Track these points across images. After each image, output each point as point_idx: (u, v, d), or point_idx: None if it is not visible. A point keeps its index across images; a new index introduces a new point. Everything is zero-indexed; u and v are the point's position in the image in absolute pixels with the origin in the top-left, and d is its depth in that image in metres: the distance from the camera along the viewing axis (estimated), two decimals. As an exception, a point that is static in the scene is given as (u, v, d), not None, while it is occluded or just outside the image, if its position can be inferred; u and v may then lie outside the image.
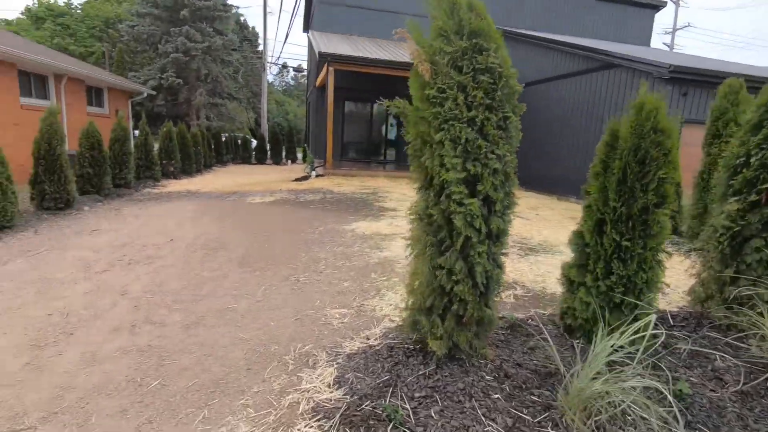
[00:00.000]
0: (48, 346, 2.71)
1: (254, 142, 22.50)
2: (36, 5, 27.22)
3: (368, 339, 2.87)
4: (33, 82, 10.55)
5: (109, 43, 22.68)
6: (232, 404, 2.19)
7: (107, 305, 3.36)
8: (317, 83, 15.63)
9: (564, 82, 11.00)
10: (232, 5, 20.77)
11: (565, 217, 8.25)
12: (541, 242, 5.82)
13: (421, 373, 2.26)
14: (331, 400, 2.16)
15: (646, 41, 19.37)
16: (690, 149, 7.31)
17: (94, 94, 13.59)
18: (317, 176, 11.99)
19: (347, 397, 2.16)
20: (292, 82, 71.05)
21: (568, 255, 5.30)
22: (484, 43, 2.06)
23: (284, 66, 24.82)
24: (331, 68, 11.47)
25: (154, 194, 9.70)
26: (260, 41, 22.29)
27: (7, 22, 29.11)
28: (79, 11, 26.62)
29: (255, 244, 5.31)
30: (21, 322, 3.02)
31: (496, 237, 2.19)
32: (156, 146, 12.14)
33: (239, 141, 22.16)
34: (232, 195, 9.57)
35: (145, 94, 15.60)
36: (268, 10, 23.96)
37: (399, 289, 3.83)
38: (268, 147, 22.01)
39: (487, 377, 2.25)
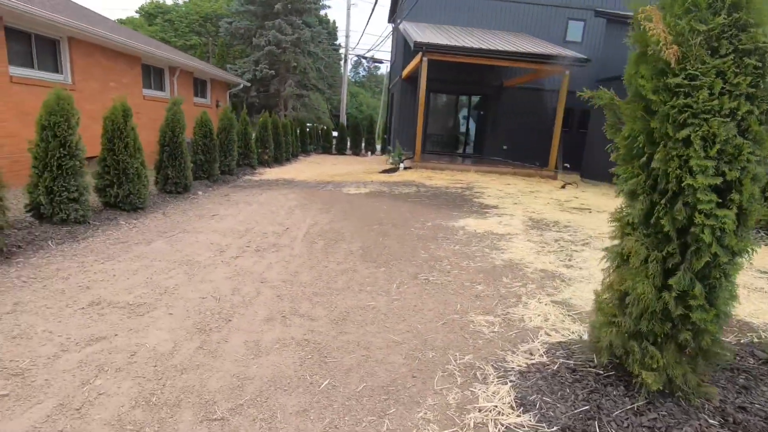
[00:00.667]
0: (212, 331, 2.78)
1: (334, 133, 23.00)
2: (148, 3, 30.19)
3: (531, 355, 2.61)
4: (152, 74, 11.50)
5: (206, 38, 24.37)
6: (411, 416, 2.05)
7: (252, 292, 3.42)
8: (404, 74, 15.47)
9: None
10: None
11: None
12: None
13: (629, 407, 1.95)
14: (523, 426, 1.94)
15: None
16: None
17: (199, 86, 14.57)
18: (405, 168, 11.86)
19: (542, 425, 1.93)
20: (363, 73, 71.94)
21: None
22: (749, 17, 1.68)
23: (363, 57, 24.92)
24: (425, 58, 11.21)
25: (254, 181, 10.15)
26: (339, 33, 22.45)
27: (121, 21, 32.41)
28: (182, 8, 29.03)
29: (369, 237, 5.24)
30: (181, 304, 3.16)
31: (739, 256, 1.81)
32: (252, 135, 12.74)
33: (320, 131, 22.75)
34: (327, 185, 9.73)
35: (242, 86, 16.47)
36: (351, 1, 24.16)
37: (542, 297, 3.52)
38: (348, 138, 22.36)
39: (711, 421, 1.90)
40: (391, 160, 16.45)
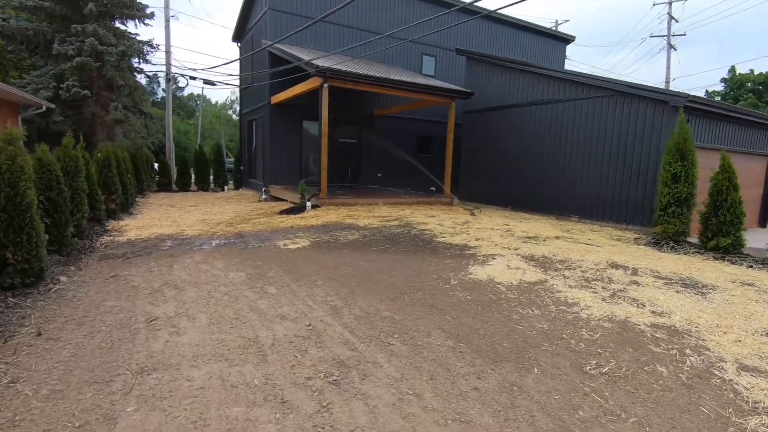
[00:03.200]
0: None
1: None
2: None
3: None
4: None
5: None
6: None
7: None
8: (276, 100, 13.86)
9: (563, 105, 11.42)
10: (146, 5, 17.08)
11: (612, 238, 8.34)
12: (675, 273, 5.59)
13: None
14: None
15: (561, 68, 21.78)
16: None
17: (-25, 107, 9.82)
18: (313, 207, 10.37)
19: None
20: (163, 95, 63.39)
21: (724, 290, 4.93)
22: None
23: (192, 78, 21.35)
24: (326, 85, 10.09)
25: (124, 245, 7.16)
26: (146, 51, 18.92)
27: None
28: None
29: (424, 317, 3.99)
30: None
31: None
32: (95, 178, 9.16)
33: (154, 164, 18.56)
34: (245, 239, 7.58)
35: (44, 108, 11.81)
36: (171, 14, 20.73)
37: (725, 367, 3.09)
38: (192, 171, 18.83)
39: None
40: (264, 196, 14.45)
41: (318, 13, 14.56)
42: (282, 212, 10.54)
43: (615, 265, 5.99)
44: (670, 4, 30.50)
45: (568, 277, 5.34)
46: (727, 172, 7.03)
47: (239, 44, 18.64)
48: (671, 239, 7.75)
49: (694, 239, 7.81)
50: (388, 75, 11.54)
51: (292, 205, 11.00)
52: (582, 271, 5.62)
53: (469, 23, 17.44)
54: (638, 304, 4.40)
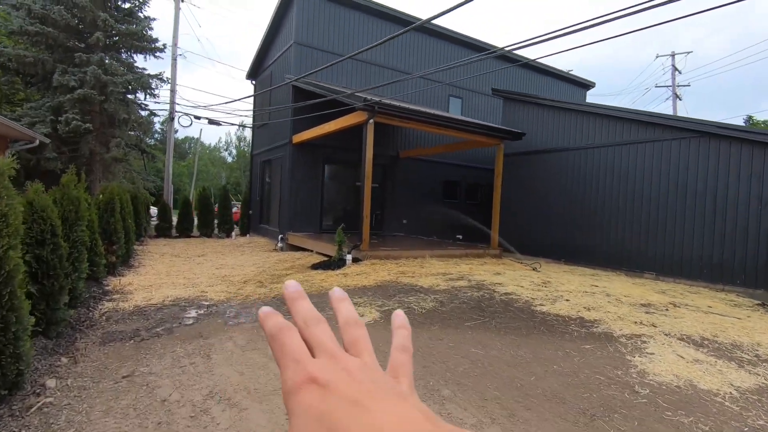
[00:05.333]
0: None
1: (154, 209, 17.32)
2: None
3: None
4: None
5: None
6: None
7: None
8: (297, 140, 12.58)
9: (629, 148, 10.30)
10: (157, 38, 16.06)
11: (729, 304, 6.84)
12: None
13: None
14: None
15: (583, 116, 21.21)
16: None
17: (-45, 139, 8.23)
18: (354, 261, 8.74)
19: None
20: (157, 136, 62.45)
21: None
22: None
23: (197, 117, 20.03)
24: (371, 121, 8.80)
25: (133, 317, 5.39)
26: (154, 86, 17.69)
27: None
28: None
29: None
30: None
31: None
32: (96, 225, 7.47)
33: (151, 207, 16.86)
34: (286, 307, 5.85)
35: (37, 142, 10.25)
36: (178, 52, 19.92)
37: None
38: (195, 215, 17.13)
39: None
40: (281, 244, 12.79)
41: (342, 49, 13.67)
42: (316, 266, 8.87)
43: (811, 354, 4.44)
44: (673, 56, 31.13)
45: (787, 379, 3.76)
46: None
47: (254, 82, 17.65)
48: (816, 308, 6.28)
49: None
50: (442, 113, 10.38)
51: (325, 258, 9.35)
52: (788, 366, 4.05)
53: (491, 66, 16.81)
54: None
